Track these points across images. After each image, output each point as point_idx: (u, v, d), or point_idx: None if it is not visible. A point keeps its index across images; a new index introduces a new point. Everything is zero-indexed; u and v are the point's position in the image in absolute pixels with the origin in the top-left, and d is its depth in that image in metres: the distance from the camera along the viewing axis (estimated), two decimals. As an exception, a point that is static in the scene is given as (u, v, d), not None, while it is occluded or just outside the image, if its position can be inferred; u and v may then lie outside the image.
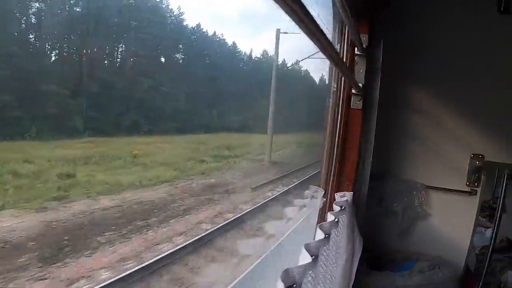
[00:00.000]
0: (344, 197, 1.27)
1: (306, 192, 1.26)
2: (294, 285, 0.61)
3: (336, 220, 1.03)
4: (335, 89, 1.38)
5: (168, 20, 23.67)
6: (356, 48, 1.37)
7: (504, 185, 3.30)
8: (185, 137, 18.50)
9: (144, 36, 20.72)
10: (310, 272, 0.69)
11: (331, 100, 1.39)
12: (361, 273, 1.52)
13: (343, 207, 1.12)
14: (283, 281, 0.59)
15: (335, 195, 1.31)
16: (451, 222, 1.82)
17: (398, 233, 1.81)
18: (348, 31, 1.30)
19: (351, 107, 1.38)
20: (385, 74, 1.76)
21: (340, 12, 1.14)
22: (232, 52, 28.37)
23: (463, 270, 1.81)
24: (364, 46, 1.35)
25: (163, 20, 22.83)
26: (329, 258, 0.96)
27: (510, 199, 3.41)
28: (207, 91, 23.02)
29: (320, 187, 1.34)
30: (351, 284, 1.32)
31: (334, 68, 1.39)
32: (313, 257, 0.72)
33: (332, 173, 1.40)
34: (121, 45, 20.73)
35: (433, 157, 1.80)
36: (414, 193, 1.74)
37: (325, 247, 0.88)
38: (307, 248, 0.73)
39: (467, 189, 1.76)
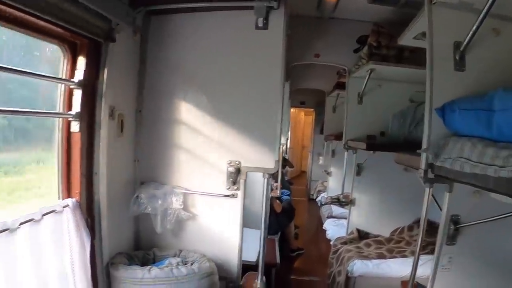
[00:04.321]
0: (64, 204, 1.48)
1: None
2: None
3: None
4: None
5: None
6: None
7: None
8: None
9: None
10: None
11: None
12: (123, 268, 1.66)
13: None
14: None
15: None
16: (219, 223, 2.03)
17: (159, 232, 1.94)
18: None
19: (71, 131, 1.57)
20: (151, 93, 2.01)
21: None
22: None
23: (238, 264, 2.01)
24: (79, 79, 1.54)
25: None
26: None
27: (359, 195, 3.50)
28: None
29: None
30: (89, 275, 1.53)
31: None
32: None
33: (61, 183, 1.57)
34: None
35: (196, 165, 2.00)
36: (173, 196, 1.93)
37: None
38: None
39: (228, 192, 1.96)
